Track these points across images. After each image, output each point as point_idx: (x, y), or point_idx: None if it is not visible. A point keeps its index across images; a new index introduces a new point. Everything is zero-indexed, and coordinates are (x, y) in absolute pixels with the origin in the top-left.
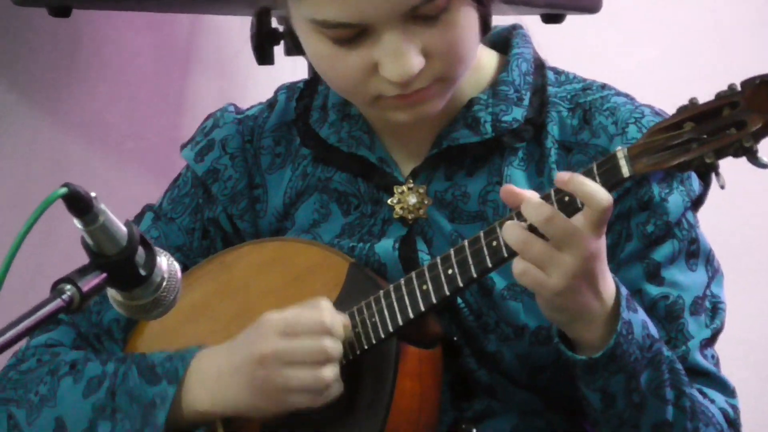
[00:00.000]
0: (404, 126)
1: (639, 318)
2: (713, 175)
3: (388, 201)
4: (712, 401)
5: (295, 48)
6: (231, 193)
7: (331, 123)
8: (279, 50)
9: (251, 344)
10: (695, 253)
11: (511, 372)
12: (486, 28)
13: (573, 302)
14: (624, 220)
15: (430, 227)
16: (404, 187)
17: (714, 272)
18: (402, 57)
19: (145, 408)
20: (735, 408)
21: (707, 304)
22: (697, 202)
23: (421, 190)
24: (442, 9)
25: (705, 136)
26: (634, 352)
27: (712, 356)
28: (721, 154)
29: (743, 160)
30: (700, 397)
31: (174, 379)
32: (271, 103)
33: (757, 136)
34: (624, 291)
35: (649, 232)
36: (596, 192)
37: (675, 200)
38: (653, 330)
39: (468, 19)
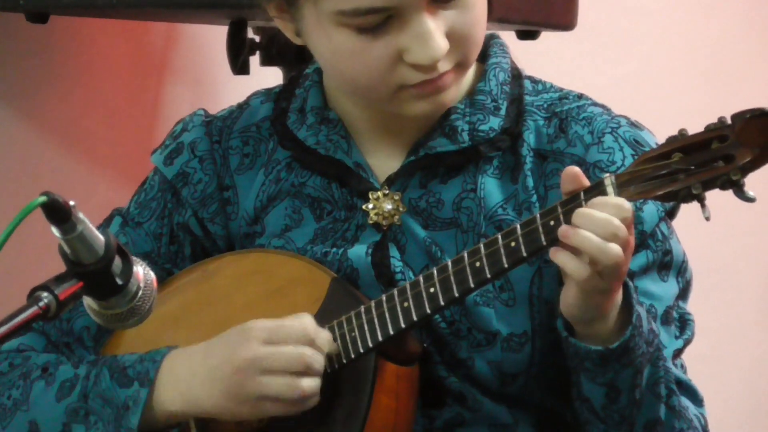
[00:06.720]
0: (422, 118)
1: (644, 312)
2: (700, 207)
3: (363, 207)
4: (686, 408)
5: (270, 58)
6: (201, 197)
7: (309, 125)
8: (254, 61)
9: (231, 348)
10: (668, 264)
11: (482, 379)
12: (491, 11)
13: (610, 300)
14: None
15: (403, 234)
16: (380, 193)
17: (686, 284)
18: (431, 39)
19: (118, 410)
20: (704, 418)
21: (675, 314)
22: (671, 213)
23: (396, 197)
24: None
25: (693, 167)
26: (641, 347)
27: (682, 366)
28: (708, 185)
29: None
30: (683, 400)
31: (146, 382)
32: (241, 106)
33: (745, 170)
34: (631, 283)
35: None
36: (619, 205)
37: (650, 210)
38: (654, 325)
39: (482, 1)
